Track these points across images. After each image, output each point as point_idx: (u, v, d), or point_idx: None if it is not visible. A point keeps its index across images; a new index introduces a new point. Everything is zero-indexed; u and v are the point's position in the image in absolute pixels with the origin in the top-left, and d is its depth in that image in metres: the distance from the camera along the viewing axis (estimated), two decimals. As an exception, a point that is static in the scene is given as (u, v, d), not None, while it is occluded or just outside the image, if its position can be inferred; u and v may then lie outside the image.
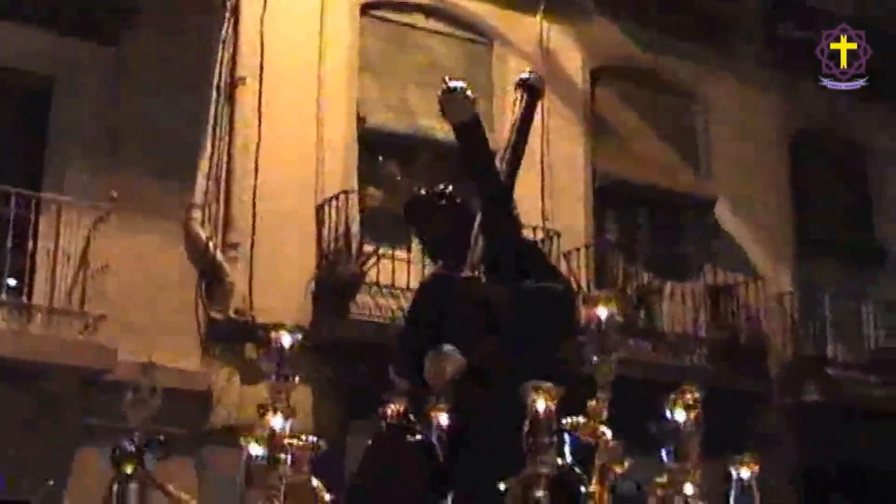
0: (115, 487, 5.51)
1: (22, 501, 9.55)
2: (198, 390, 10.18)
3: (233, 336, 10.68)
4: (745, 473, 3.66)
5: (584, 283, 11.78)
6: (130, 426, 5.74)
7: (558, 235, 11.75)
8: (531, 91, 4.85)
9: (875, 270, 14.17)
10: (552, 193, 12.37)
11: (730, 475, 3.69)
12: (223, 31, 11.45)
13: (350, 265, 11.08)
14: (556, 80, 12.64)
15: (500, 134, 10.75)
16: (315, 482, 4.32)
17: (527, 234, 11.08)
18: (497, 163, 4.74)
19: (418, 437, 4.44)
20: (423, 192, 5.05)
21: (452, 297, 4.49)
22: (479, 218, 4.62)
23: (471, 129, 4.58)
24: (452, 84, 4.54)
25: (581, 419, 3.89)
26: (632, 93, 13.40)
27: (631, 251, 12.98)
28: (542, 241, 11.59)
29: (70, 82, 10.89)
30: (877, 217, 14.50)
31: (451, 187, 4.93)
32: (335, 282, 11.08)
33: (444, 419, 4.37)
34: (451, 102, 4.53)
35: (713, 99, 13.78)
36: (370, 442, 4.66)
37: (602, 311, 3.94)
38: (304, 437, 4.32)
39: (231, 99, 11.35)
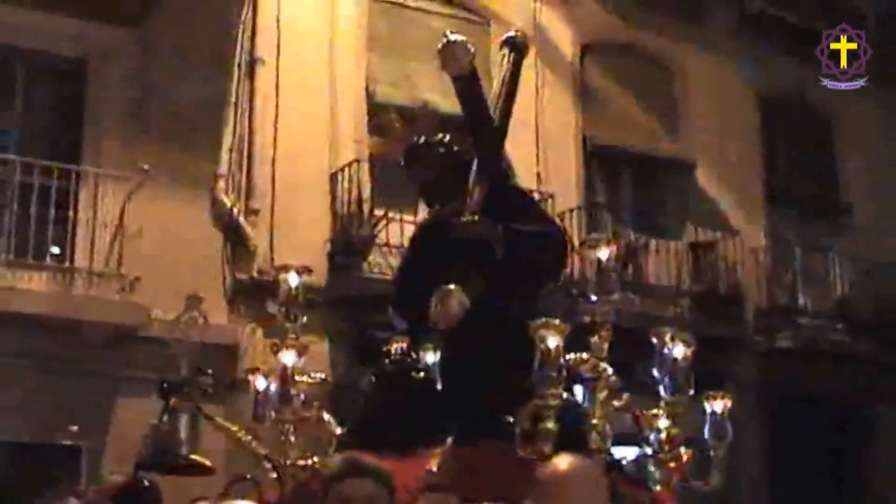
0: (164, 417, 5.03)
1: (71, 445, 10.30)
2: (225, 343, 10.12)
3: (256, 293, 10.85)
4: (718, 406, 4.02)
5: (576, 241, 11.77)
6: (176, 357, 5.21)
7: (552, 197, 11.93)
8: (517, 48, 4.85)
9: (839, 226, 14.41)
10: (546, 158, 12.65)
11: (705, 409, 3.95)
12: (242, 15, 11.68)
13: (362, 228, 11.37)
14: (548, 55, 12.92)
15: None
16: (326, 416, 4.40)
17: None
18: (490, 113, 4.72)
19: (421, 373, 4.46)
20: (422, 139, 4.95)
21: (451, 239, 4.42)
22: (475, 165, 4.55)
23: (468, 80, 4.54)
24: (452, 37, 4.48)
25: (584, 355, 4.03)
26: (617, 66, 13.61)
27: (618, 211, 13.30)
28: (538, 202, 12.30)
29: (102, 64, 11.23)
30: (840, 177, 14.76)
31: (448, 137, 4.88)
32: (348, 243, 11.37)
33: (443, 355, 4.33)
34: (450, 54, 4.48)
35: (691, 70, 14.03)
36: (374, 378, 4.66)
37: (603, 253, 4.16)
38: (313, 375, 4.39)
39: (251, 77, 11.61)
